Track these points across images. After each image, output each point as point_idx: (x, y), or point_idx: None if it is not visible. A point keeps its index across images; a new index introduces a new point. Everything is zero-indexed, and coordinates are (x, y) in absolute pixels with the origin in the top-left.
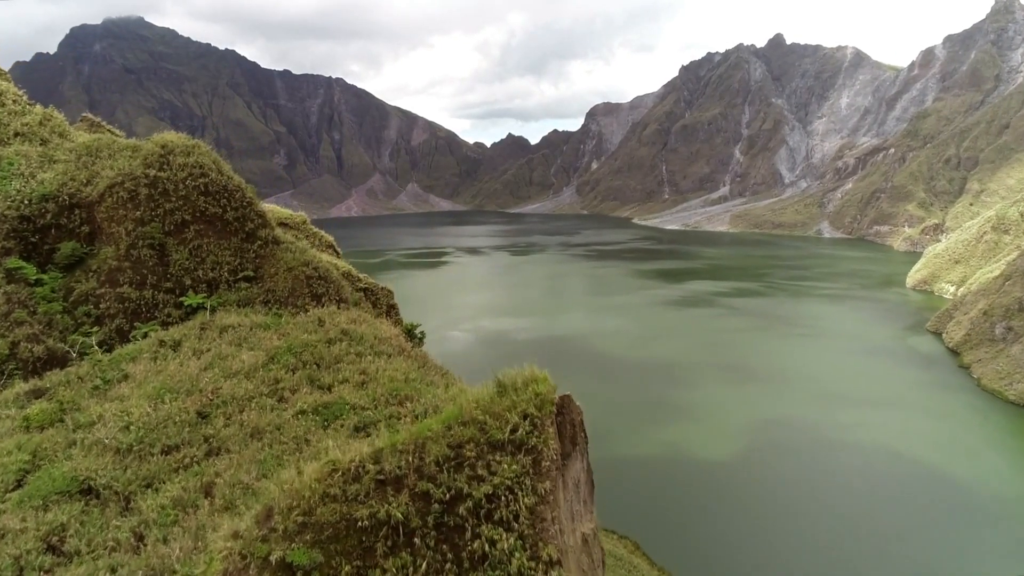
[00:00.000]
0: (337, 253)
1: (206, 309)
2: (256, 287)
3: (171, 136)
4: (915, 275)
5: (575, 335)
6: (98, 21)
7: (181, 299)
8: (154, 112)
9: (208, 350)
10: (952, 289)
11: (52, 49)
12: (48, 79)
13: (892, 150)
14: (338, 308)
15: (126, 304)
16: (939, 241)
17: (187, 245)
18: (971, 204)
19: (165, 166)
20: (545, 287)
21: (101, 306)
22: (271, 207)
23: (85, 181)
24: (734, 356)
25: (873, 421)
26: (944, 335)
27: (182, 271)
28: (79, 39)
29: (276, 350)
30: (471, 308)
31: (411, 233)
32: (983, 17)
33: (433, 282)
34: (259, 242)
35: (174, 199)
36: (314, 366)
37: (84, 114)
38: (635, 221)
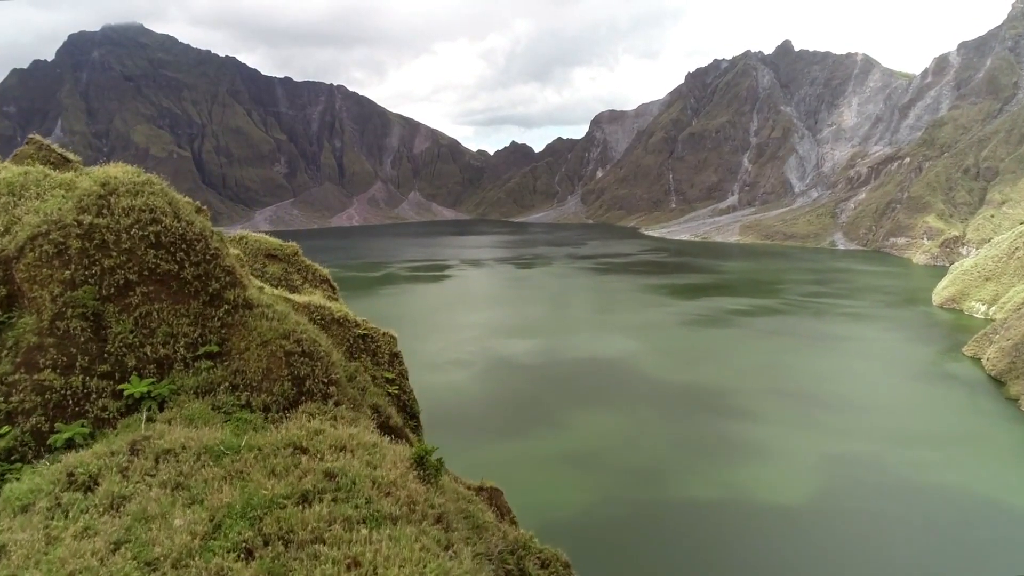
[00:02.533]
0: (333, 288)
1: (153, 400)
2: (221, 367)
3: (115, 170)
4: (942, 292)
5: (595, 359)
6: (97, 28)
7: (121, 387)
8: (153, 120)
9: (130, 499)
10: (983, 308)
11: (51, 56)
12: (46, 87)
13: (907, 159)
14: (324, 403)
15: (47, 395)
16: (959, 254)
17: (131, 313)
18: (992, 216)
19: (105, 210)
20: (554, 304)
21: (13, 398)
22: (259, 236)
23: (2, 230)
24: (773, 383)
25: (937, 460)
26: (984, 360)
27: (124, 348)
28: (77, 46)
29: (225, 512)
30: (476, 328)
31: (413, 244)
32: (999, 23)
33: (436, 298)
34: (226, 307)
35: (115, 254)
36: (280, 547)
37: (31, 135)
38: (642, 231)
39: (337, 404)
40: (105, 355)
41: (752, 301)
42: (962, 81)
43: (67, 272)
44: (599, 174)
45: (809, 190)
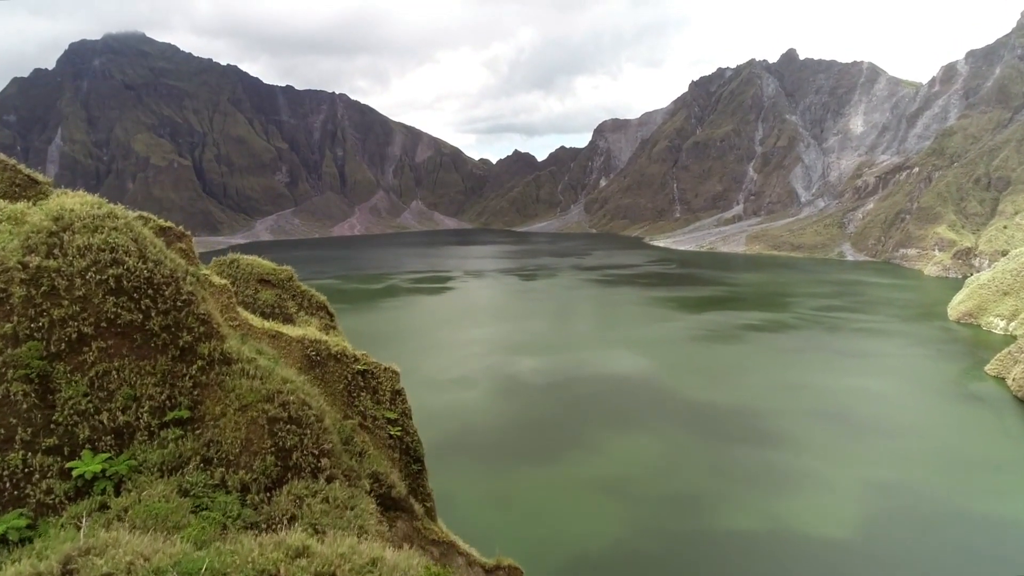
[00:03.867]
0: (331, 315)
1: (108, 481)
2: (192, 437)
3: (72, 201)
4: (958, 307)
5: (610, 377)
6: (99, 37)
7: (70, 465)
8: (154, 129)
9: None
10: (1002, 324)
11: (52, 65)
12: (46, 95)
13: (916, 169)
14: (315, 479)
15: None
16: (972, 266)
17: (86, 373)
18: (1005, 227)
19: (56, 250)
20: (561, 318)
21: None
22: (251, 260)
23: None
24: (800, 403)
25: (978, 489)
26: (1009, 381)
27: (75, 416)
28: (78, 55)
29: None
30: (480, 343)
31: (415, 254)
32: (1008, 32)
33: (438, 311)
34: (200, 363)
35: (67, 302)
36: None
37: None
38: (646, 241)
39: (330, 480)
40: (52, 425)
41: (764, 315)
42: (971, 90)
43: (8, 325)
44: (602, 183)
45: (815, 200)
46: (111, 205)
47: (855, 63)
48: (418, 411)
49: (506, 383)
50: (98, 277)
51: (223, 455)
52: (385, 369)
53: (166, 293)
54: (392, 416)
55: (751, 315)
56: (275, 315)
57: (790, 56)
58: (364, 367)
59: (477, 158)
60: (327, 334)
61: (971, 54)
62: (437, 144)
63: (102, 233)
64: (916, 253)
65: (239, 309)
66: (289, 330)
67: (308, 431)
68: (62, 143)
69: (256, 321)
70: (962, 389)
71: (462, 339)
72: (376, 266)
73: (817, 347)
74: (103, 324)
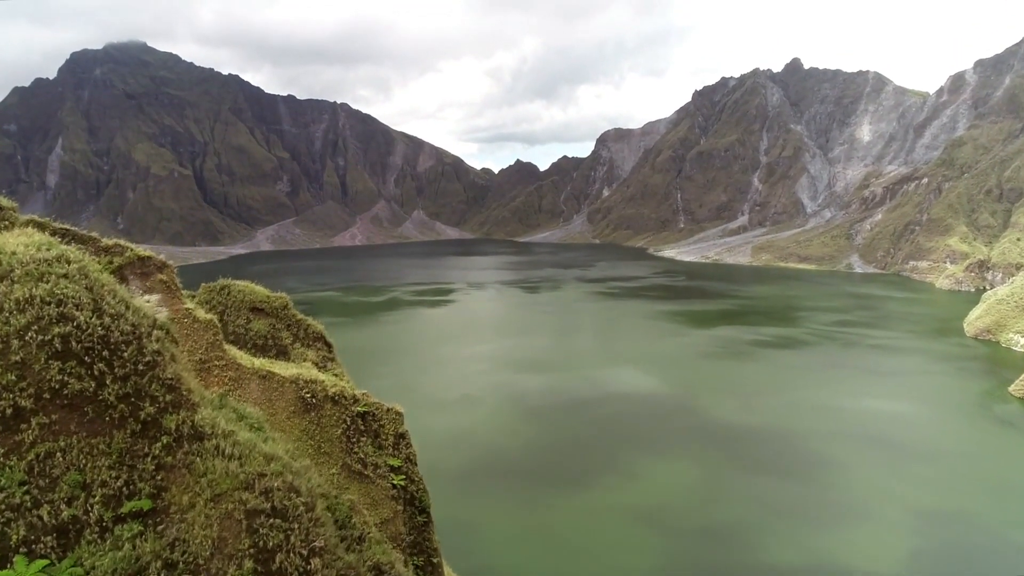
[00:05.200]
0: (329, 346)
1: None
2: (152, 536)
3: (13, 241)
4: (975, 322)
5: (627, 396)
6: (100, 46)
7: None
8: (154, 138)
9: None
10: (1023, 341)
11: (53, 75)
12: (47, 105)
13: (925, 179)
14: None
15: None
16: (985, 278)
17: (23, 457)
18: (1018, 239)
19: None
20: (568, 333)
21: None
22: (244, 286)
23: None
24: (831, 424)
25: None
26: None
27: (9, 511)
28: (79, 64)
29: None
30: (485, 360)
31: (417, 265)
32: (1017, 41)
33: (441, 325)
34: (165, 439)
35: (1, 369)
36: None
37: None
38: (650, 252)
39: None
40: None
41: (776, 331)
42: (979, 100)
43: None
44: (605, 193)
45: (822, 210)
46: (64, 246)
47: (860, 72)
48: (431, 434)
49: (521, 403)
50: (41, 337)
51: (191, 558)
52: (388, 410)
53: (125, 354)
54: (396, 463)
55: (763, 330)
56: (268, 347)
57: (794, 65)
58: (364, 409)
59: (479, 167)
60: (325, 366)
61: (979, 63)
62: (439, 153)
63: (48, 282)
64: (927, 265)
65: (227, 347)
66: (282, 369)
67: (296, 525)
68: (62, 153)
69: (245, 360)
70: (989, 411)
71: (467, 355)
72: (377, 278)
73: (835, 365)
74: (46, 395)
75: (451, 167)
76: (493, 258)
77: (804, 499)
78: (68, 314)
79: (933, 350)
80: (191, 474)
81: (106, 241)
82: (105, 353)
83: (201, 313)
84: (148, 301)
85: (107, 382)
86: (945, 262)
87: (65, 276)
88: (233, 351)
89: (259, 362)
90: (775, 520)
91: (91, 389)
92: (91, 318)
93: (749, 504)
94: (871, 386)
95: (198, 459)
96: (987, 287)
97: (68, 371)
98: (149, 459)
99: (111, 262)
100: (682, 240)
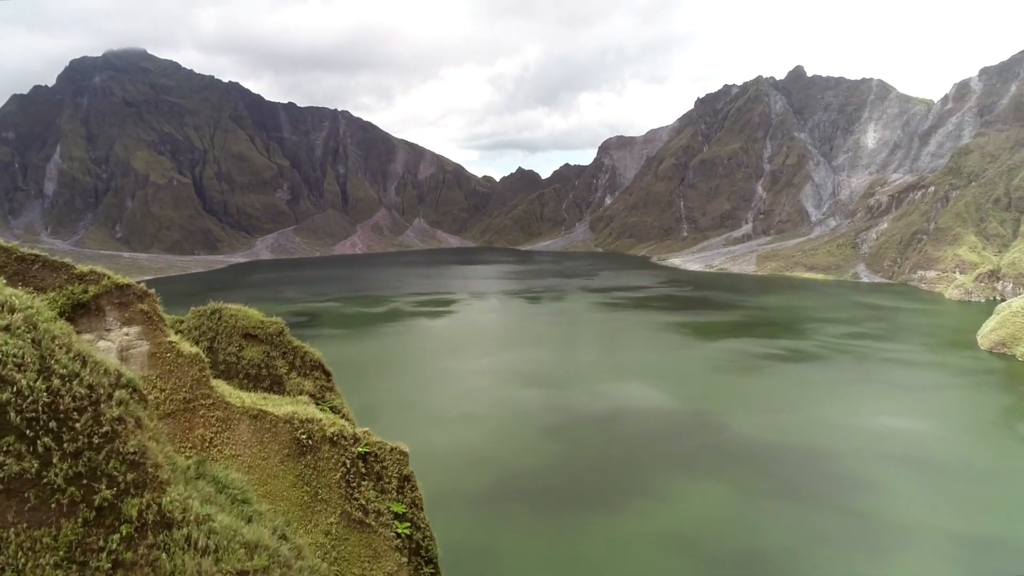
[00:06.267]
0: (327, 375)
1: None
2: None
3: None
4: (990, 335)
5: (643, 413)
6: (100, 53)
7: None
8: (154, 146)
9: None
10: None
11: (52, 82)
12: (46, 112)
13: (932, 188)
14: None
15: None
16: (996, 289)
17: None
18: None
19: None
20: (574, 345)
21: None
22: (236, 310)
23: None
24: (863, 442)
25: None
26: None
27: None
28: (79, 71)
29: None
30: (490, 374)
31: (418, 274)
32: (1023, 48)
33: (444, 337)
34: (125, 529)
35: None
36: None
37: None
38: (653, 260)
39: None
40: None
41: (787, 343)
42: (985, 107)
43: None
44: (607, 201)
45: (827, 219)
46: (8, 290)
47: (864, 80)
48: (442, 454)
49: (534, 420)
50: None
51: None
52: (391, 450)
53: (78, 425)
54: (400, 509)
55: (773, 343)
56: (262, 377)
57: (797, 73)
58: (366, 449)
59: (480, 175)
60: (323, 397)
61: (985, 71)
62: (440, 161)
63: None
64: (935, 275)
65: (215, 382)
66: (275, 406)
67: None
68: (61, 160)
69: (235, 397)
70: (1013, 429)
71: (471, 369)
72: (378, 287)
73: (851, 379)
74: None
75: (452, 175)
76: (495, 267)
77: (844, 524)
78: (7, 377)
79: (948, 364)
80: (155, 574)
81: (80, 268)
82: (52, 424)
83: (186, 346)
84: (127, 334)
85: (54, 460)
86: (954, 272)
87: (7, 329)
88: (222, 387)
89: (250, 400)
90: (816, 547)
91: (34, 470)
92: (36, 381)
93: (787, 529)
94: (891, 402)
95: (164, 554)
96: (998, 297)
97: (4, 449)
98: (105, 555)
99: (85, 291)
100: (685, 248)
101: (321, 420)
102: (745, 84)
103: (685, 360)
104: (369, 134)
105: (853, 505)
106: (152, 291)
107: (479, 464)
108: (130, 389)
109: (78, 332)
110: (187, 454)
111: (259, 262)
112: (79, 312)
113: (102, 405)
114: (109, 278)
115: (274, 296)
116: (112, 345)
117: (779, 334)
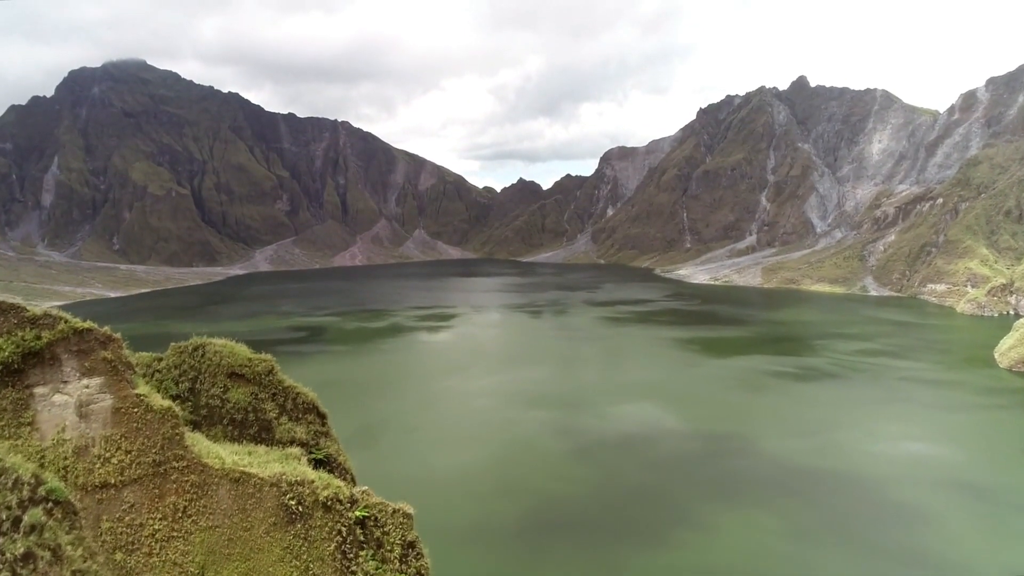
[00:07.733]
0: (322, 418)
1: None
2: None
3: None
4: (1008, 353)
5: (669, 435)
6: (99, 64)
7: None
8: (152, 157)
9: None
10: None
11: (50, 93)
12: (44, 123)
13: (940, 200)
14: None
15: None
16: (1009, 303)
17: None
18: None
19: None
20: (581, 363)
21: None
22: (221, 346)
23: None
24: (903, 469)
25: None
26: None
27: None
28: (77, 82)
29: None
30: (494, 394)
31: (418, 287)
32: None
33: (444, 354)
34: None
35: None
36: None
37: None
38: (657, 272)
39: None
40: None
41: (798, 361)
42: (992, 118)
43: None
44: (610, 212)
45: (832, 230)
46: None
47: (868, 90)
48: (461, 479)
49: (548, 443)
50: None
51: None
52: (394, 512)
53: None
54: None
55: (785, 360)
56: (249, 422)
57: (801, 83)
58: (365, 513)
59: (481, 185)
60: (317, 443)
61: (991, 81)
62: (440, 172)
63: None
64: (945, 289)
65: (191, 439)
66: (260, 466)
67: None
68: (59, 172)
69: (213, 458)
70: None
71: (470, 389)
72: (378, 300)
73: (870, 400)
74: None
75: (453, 186)
76: (496, 279)
77: (909, 559)
78: None
79: (968, 383)
80: None
81: (33, 311)
82: None
83: (156, 399)
84: (87, 387)
85: None
86: (965, 285)
87: None
88: (200, 444)
89: (231, 459)
90: None
91: None
92: None
93: (846, 566)
94: (917, 425)
95: None
96: (1011, 311)
97: None
98: None
99: (39, 337)
100: (689, 260)
101: (313, 482)
102: (748, 94)
103: (696, 379)
104: (369, 145)
105: (915, 538)
106: (118, 335)
107: (504, 492)
108: (49, 504)
109: (29, 385)
110: (156, 525)
111: (258, 274)
112: (31, 362)
113: (5, 537)
114: (67, 322)
115: (272, 309)
116: (70, 399)
117: (791, 350)
